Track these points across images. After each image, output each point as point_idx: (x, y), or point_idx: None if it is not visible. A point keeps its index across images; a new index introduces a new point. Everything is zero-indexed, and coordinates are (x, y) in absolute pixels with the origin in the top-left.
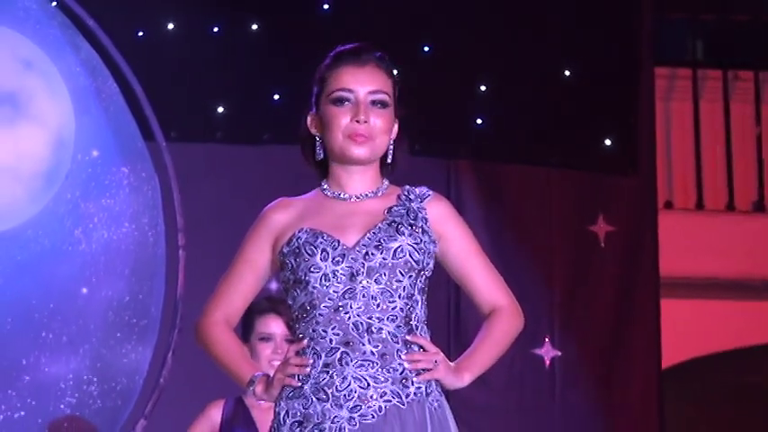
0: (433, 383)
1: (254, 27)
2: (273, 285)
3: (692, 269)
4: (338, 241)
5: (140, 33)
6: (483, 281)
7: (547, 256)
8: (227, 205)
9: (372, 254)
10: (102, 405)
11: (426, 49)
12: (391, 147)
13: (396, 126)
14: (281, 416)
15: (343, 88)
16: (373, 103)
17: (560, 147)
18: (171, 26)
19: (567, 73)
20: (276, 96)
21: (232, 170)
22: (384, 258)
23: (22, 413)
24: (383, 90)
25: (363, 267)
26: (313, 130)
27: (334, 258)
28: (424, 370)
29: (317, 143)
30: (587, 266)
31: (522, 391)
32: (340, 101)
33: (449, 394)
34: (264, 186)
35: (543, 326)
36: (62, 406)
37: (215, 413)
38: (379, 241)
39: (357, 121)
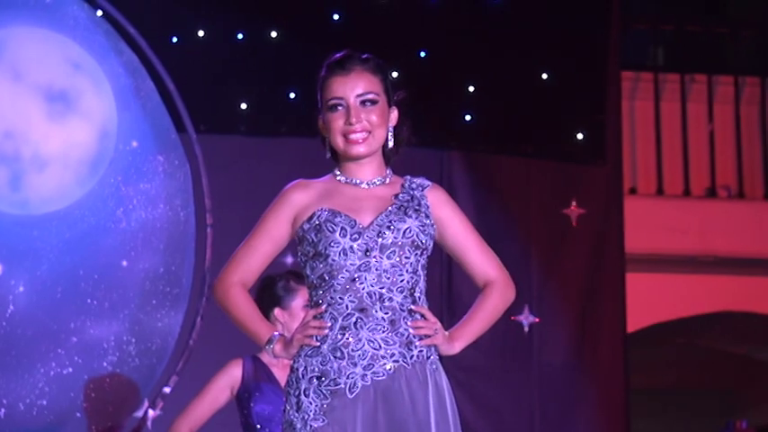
0: (432, 348)
1: (274, 34)
2: (289, 259)
3: (652, 246)
4: (355, 221)
5: (174, 39)
6: (477, 257)
7: (527, 235)
8: (248, 189)
9: (384, 233)
10: (140, 363)
11: (422, 54)
12: (391, 134)
13: (395, 113)
14: (300, 371)
15: (333, 97)
16: (363, 103)
17: (538, 140)
18: (201, 33)
19: (545, 76)
20: (292, 95)
21: (253, 158)
22: (395, 237)
23: (70, 369)
24: (369, 90)
25: (377, 245)
26: (324, 133)
27: (351, 235)
28: (425, 336)
29: (327, 144)
30: (562, 244)
31: (504, 353)
32: (334, 107)
33: (441, 357)
34: (281, 172)
35: (523, 296)
36: (105, 363)
37: (236, 370)
38: (391, 222)
39: (350, 123)
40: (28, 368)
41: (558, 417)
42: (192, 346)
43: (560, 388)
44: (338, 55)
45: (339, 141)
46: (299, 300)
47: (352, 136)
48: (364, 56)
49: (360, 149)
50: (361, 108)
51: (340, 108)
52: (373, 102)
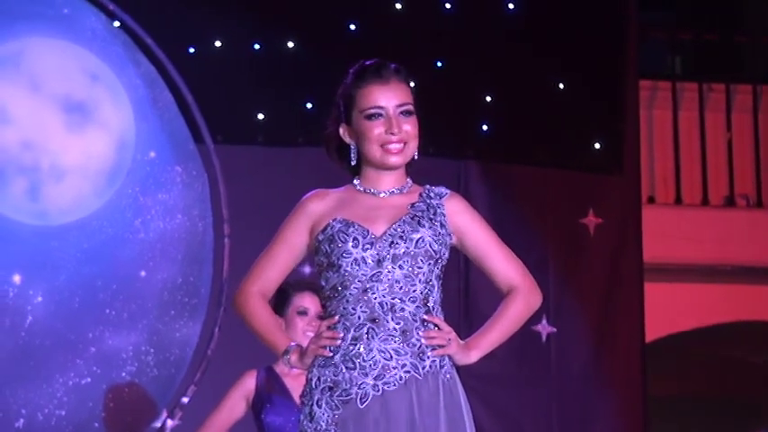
0: (446, 358)
1: (290, 44)
2: (307, 269)
3: (670, 256)
4: (367, 231)
5: (192, 50)
6: (500, 263)
7: (544, 245)
8: (266, 199)
9: (397, 243)
10: (159, 373)
11: (439, 64)
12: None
13: None
14: (313, 381)
15: (374, 105)
16: (402, 113)
17: (556, 149)
18: (218, 43)
19: (562, 86)
20: (309, 105)
21: (271, 169)
22: (407, 247)
23: (89, 380)
24: (407, 101)
25: (389, 254)
26: (347, 140)
27: (363, 246)
28: (438, 346)
29: (352, 151)
30: (579, 254)
31: (522, 363)
32: (374, 116)
33: (458, 366)
34: (299, 183)
35: (540, 306)
36: (123, 374)
37: (249, 382)
38: (403, 232)
39: (392, 133)
40: (46, 378)
41: (577, 426)
42: (211, 357)
43: (578, 398)
44: (370, 62)
45: (376, 150)
46: (293, 306)
47: (391, 146)
48: (394, 66)
49: (396, 159)
50: (400, 118)
51: (380, 117)
52: (410, 113)
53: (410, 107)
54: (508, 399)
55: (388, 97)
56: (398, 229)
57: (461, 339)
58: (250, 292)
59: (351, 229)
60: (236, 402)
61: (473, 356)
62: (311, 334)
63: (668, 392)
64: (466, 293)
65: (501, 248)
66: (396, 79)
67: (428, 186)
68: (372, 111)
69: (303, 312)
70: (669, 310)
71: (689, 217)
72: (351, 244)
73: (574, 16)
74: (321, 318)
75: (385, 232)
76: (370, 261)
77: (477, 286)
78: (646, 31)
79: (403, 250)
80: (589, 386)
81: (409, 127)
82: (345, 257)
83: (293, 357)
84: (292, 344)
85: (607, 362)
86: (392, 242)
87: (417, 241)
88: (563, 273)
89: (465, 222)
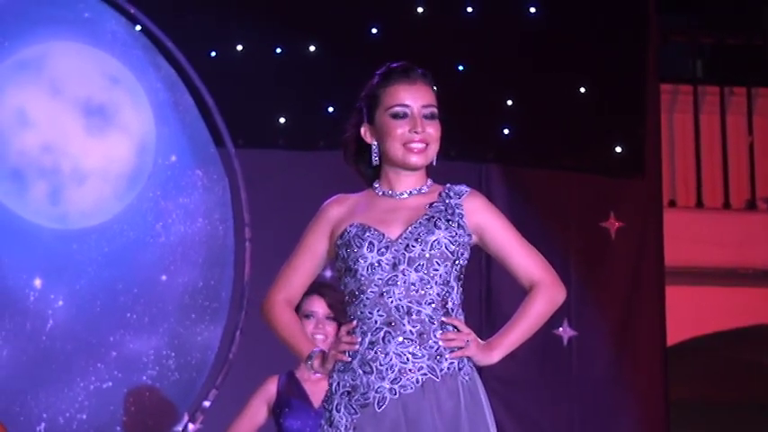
0: (465, 360)
1: (312, 48)
2: (328, 273)
3: (692, 259)
4: (383, 235)
5: (213, 54)
6: (521, 259)
7: (565, 249)
8: (287, 203)
9: (412, 246)
10: (180, 377)
11: (461, 68)
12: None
13: None
14: (333, 386)
15: (400, 104)
16: (426, 115)
17: (577, 153)
18: (239, 47)
19: (583, 90)
20: (330, 109)
21: (292, 172)
22: (422, 250)
23: (110, 383)
24: (433, 104)
25: (404, 258)
26: (368, 139)
27: (379, 250)
28: (457, 348)
29: (374, 150)
30: (600, 258)
31: (544, 366)
32: (398, 115)
33: (480, 368)
34: (319, 186)
35: (562, 309)
36: (144, 377)
37: (271, 388)
38: (418, 235)
39: (416, 132)
40: (67, 382)
41: (598, 430)
42: (232, 360)
43: (600, 401)
44: (396, 64)
45: (398, 149)
46: (301, 311)
47: (414, 145)
48: (421, 70)
49: (417, 159)
50: (425, 120)
51: (405, 116)
52: (434, 116)
53: (434, 110)
54: (529, 402)
55: (414, 97)
56: (414, 232)
57: (483, 340)
58: (276, 301)
59: (367, 234)
60: (258, 409)
61: (495, 356)
62: (320, 336)
63: (690, 396)
64: (488, 295)
65: (522, 244)
66: (422, 81)
67: (448, 185)
68: (398, 109)
69: (309, 315)
70: (690, 314)
71: (710, 220)
72: (366, 248)
73: (595, 20)
74: (333, 320)
75: (400, 235)
76: (385, 265)
77: (499, 288)
78: (666, 34)
79: (418, 253)
80: (610, 390)
81: (432, 130)
82: (361, 262)
83: (315, 363)
84: (315, 349)
85: (628, 365)
86: (407, 245)
87: (432, 243)
88: (584, 276)
89: (484, 220)
